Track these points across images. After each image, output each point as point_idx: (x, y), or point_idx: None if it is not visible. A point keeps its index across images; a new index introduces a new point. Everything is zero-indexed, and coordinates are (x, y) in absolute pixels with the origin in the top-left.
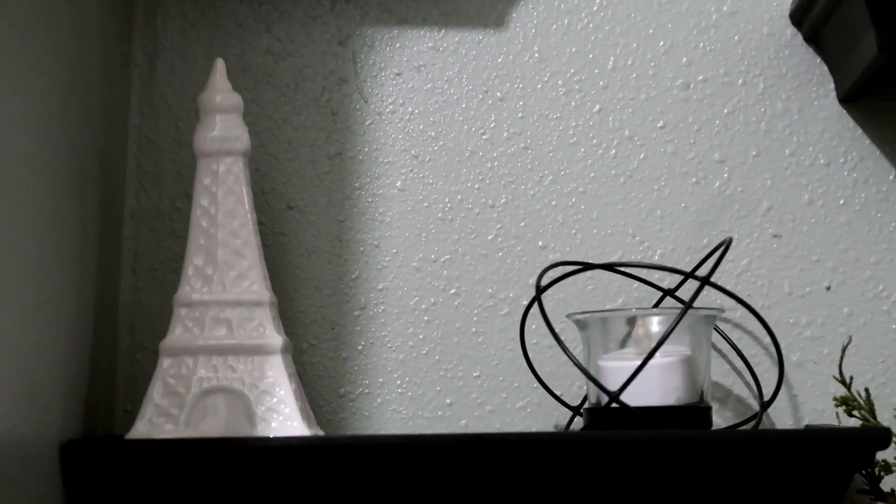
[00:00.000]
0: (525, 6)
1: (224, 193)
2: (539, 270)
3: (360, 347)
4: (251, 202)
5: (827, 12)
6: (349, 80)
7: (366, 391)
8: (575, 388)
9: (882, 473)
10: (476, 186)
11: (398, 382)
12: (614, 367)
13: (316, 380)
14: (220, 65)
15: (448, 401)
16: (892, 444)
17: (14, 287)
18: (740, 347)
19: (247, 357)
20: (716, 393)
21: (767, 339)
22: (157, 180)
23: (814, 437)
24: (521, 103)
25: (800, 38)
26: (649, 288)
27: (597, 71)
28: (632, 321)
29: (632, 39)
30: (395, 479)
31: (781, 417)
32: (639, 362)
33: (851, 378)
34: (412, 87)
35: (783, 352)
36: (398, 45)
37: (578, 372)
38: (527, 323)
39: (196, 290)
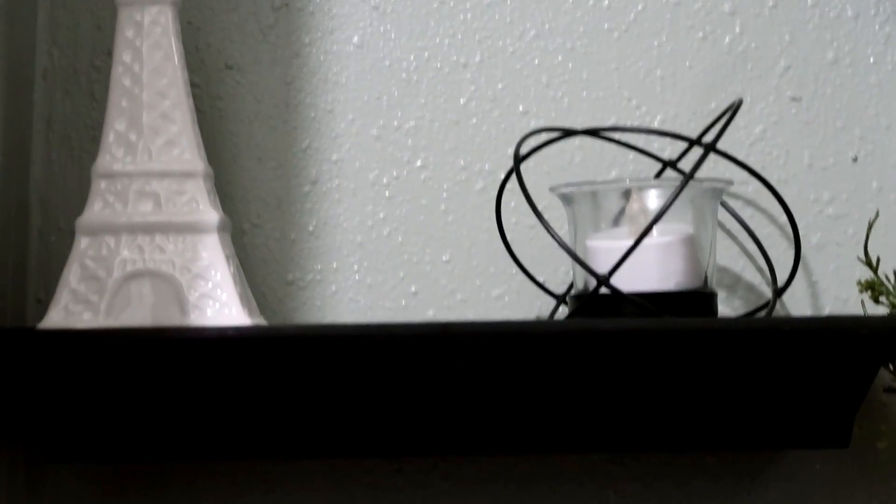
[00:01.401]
0: None
1: (150, 48)
2: (519, 139)
3: (310, 228)
4: (182, 59)
5: None
6: None
7: (317, 278)
8: (560, 275)
9: None
10: (446, 42)
11: (355, 268)
12: (605, 248)
13: (259, 265)
14: None
15: (413, 289)
16: None
17: None
18: (752, 227)
19: (177, 236)
20: (723, 279)
21: (783, 218)
22: (72, 35)
23: (834, 326)
24: None
25: None
26: (647, 159)
27: None
28: (626, 195)
29: None
30: (350, 377)
31: (798, 306)
32: (633, 242)
33: (878, 260)
34: None
35: (801, 232)
36: None
37: (563, 255)
38: (505, 199)
39: (118, 159)
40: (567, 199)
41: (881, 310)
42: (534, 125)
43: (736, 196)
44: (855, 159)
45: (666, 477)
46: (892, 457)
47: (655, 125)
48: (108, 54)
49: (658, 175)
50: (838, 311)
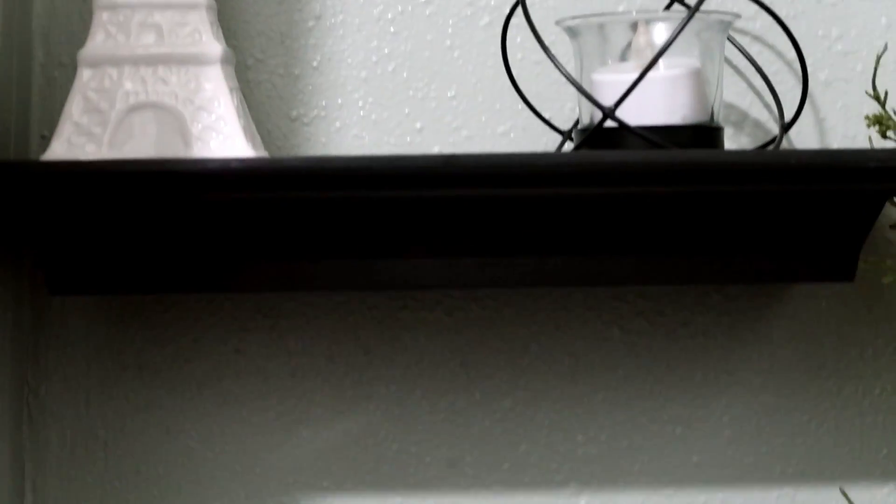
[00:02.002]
0: None
1: None
2: None
3: (314, 64)
4: None
5: None
6: None
7: (322, 114)
8: (566, 111)
9: None
10: None
11: (360, 104)
12: (611, 82)
13: (263, 101)
14: None
15: (418, 125)
16: None
17: None
18: (760, 63)
19: (180, 68)
20: (730, 116)
21: (792, 54)
22: None
23: (840, 159)
24: None
25: None
26: None
27: None
28: (633, 28)
29: None
30: (355, 211)
31: (805, 143)
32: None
33: (886, 94)
34: None
35: (809, 69)
36: None
37: (570, 92)
38: (510, 34)
39: None
40: (573, 33)
41: (889, 145)
42: None
43: (744, 32)
44: None
45: (670, 313)
46: None
47: None
48: None
49: (667, 8)
50: (845, 147)
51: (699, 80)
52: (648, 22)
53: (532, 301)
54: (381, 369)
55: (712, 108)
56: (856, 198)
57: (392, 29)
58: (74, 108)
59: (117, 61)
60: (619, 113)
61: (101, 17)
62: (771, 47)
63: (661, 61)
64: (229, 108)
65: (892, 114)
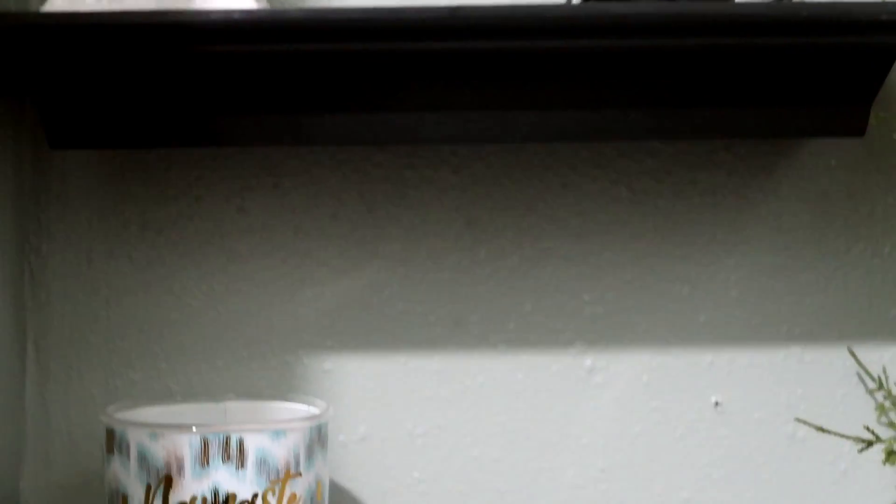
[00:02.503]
0: None
1: None
2: None
3: None
4: None
5: None
6: None
7: None
8: None
9: None
10: None
11: None
12: None
13: None
14: None
15: None
16: None
17: None
18: None
19: None
20: None
21: None
22: None
23: (852, 11)
24: None
25: None
26: None
27: None
28: None
29: None
30: (359, 64)
31: None
32: None
33: None
34: None
35: None
36: None
37: None
38: None
39: None
40: None
41: None
42: None
43: None
44: None
45: (679, 172)
46: None
47: None
48: None
49: None
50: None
51: None
52: None
53: (539, 160)
54: (386, 228)
55: None
56: (867, 51)
57: None
58: None
59: None
60: None
61: None
62: None
63: None
64: None
65: None
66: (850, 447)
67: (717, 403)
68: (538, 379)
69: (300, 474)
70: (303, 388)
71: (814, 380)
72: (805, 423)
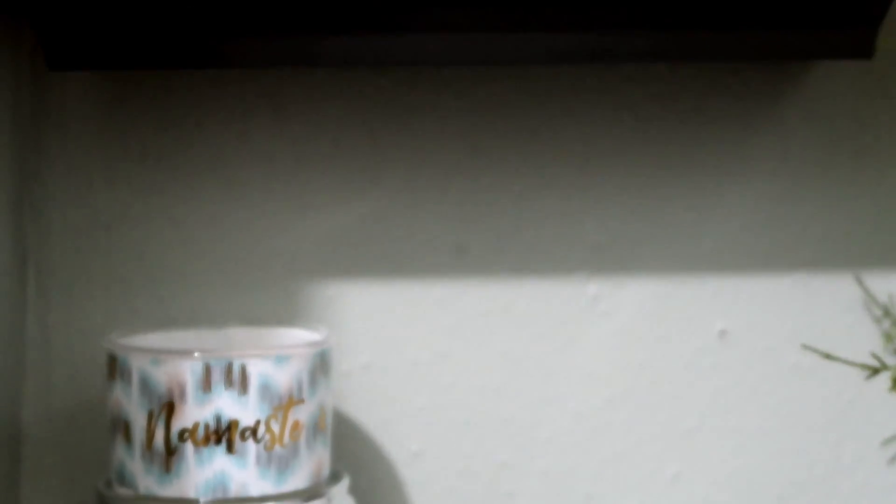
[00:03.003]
0: None
1: None
2: None
3: None
4: None
5: None
6: None
7: None
8: None
9: None
10: None
11: None
12: None
13: None
14: None
15: None
16: None
17: None
18: None
19: None
20: None
21: None
22: None
23: None
24: None
25: None
26: None
27: None
28: None
29: None
30: None
31: None
32: None
33: None
34: None
35: None
36: None
37: None
38: None
39: None
40: None
41: None
42: None
43: None
44: None
45: (684, 98)
46: None
47: None
48: None
49: None
50: None
51: None
52: None
53: (543, 84)
54: (388, 153)
55: None
56: None
57: None
58: None
59: None
60: None
61: None
62: None
63: None
64: None
65: None
66: (857, 376)
67: (722, 332)
68: (541, 307)
69: (303, 401)
70: (305, 315)
71: (820, 308)
72: (812, 349)
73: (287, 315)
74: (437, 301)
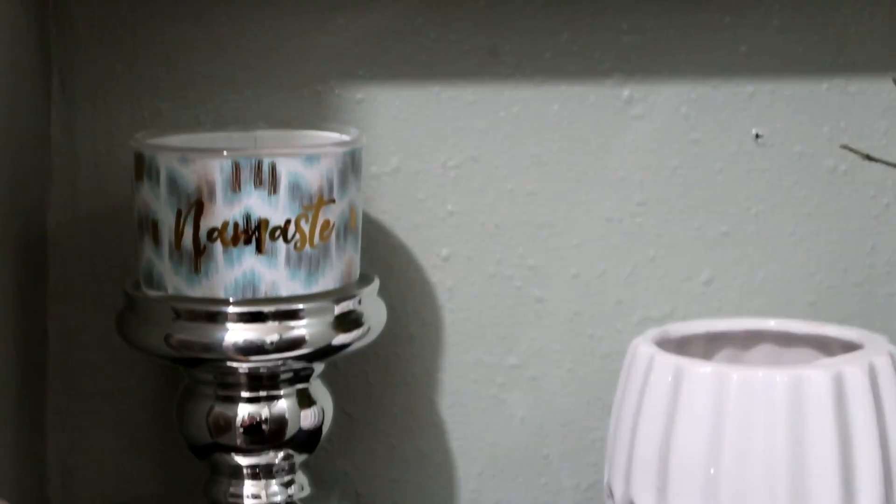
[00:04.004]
0: None
1: None
2: None
3: None
4: None
5: None
6: None
7: None
8: None
9: None
10: None
11: None
12: None
13: None
14: None
15: None
16: None
17: None
18: None
19: None
20: None
21: None
22: None
23: None
24: None
25: None
26: None
27: None
28: None
29: None
30: None
31: None
32: None
33: None
34: None
35: None
36: None
37: None
38: None
39: None
40: None
41: None
42: None
43: None
44: None
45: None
46: None
47: None
48: None
49: None
50: None
51: None
52: None
53: None
54: None
55: None
56: None
57: None
58: None
59: None
60: None
61: None
62: None
63: None
64: None
65: None
66: (893, 182)
67: (757, 136)
68: (574, 110)
69: (334, 200)
70: (334, 117)
71: (857, 112)
72: (851, 150)
73: (316, 119)
74: (468, 104)
